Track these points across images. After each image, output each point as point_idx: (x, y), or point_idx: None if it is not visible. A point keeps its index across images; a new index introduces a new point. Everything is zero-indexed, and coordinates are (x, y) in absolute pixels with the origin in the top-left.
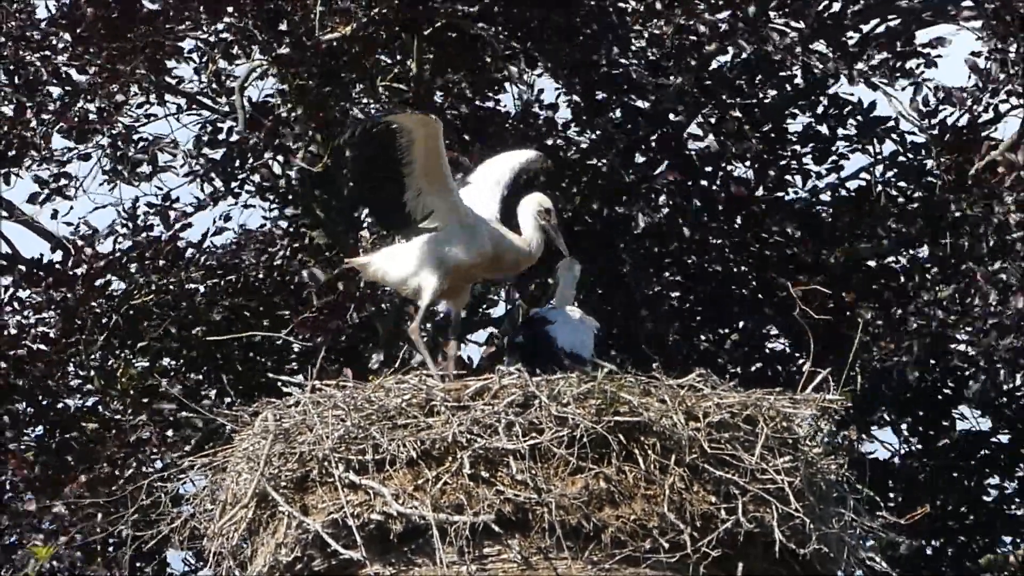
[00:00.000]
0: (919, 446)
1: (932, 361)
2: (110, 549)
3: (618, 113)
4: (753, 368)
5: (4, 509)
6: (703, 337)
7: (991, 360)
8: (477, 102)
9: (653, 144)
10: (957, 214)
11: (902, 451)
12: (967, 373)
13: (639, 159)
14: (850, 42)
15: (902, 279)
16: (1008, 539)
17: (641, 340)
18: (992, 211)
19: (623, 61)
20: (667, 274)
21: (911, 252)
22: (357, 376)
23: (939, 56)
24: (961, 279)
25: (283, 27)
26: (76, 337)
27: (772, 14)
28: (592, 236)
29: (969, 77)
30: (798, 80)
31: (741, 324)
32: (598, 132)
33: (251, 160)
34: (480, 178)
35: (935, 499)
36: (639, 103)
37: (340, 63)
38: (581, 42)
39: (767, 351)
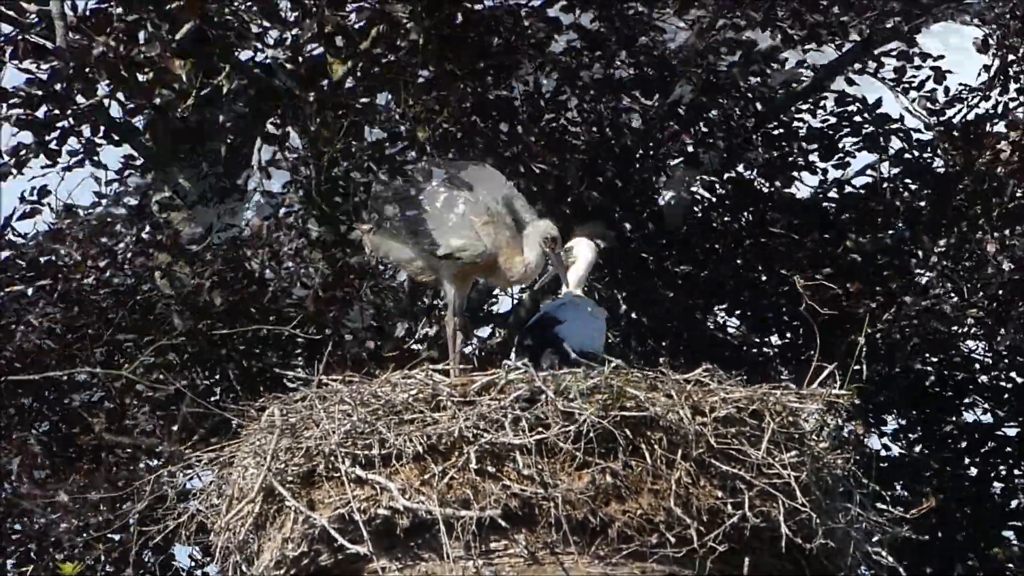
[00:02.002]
0: (921, 435)
1: (936, 352)
2: (116, 545)
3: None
4: (756, 350)
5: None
6: (712, 316)
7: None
8: (488, 94)
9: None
10: (964, 201)
11: (907, 442)
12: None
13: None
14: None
15: (907, 268)
16: (1012, 536)
17: (654, 312)
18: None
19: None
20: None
21: (916, 246)
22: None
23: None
24: (968, 257)
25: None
26: (82, 332)
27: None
28: (601, 213)
29: (979, 74)
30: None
31: (744, 302)
32: (611, 107)
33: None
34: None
35: (941, 493)
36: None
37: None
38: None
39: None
